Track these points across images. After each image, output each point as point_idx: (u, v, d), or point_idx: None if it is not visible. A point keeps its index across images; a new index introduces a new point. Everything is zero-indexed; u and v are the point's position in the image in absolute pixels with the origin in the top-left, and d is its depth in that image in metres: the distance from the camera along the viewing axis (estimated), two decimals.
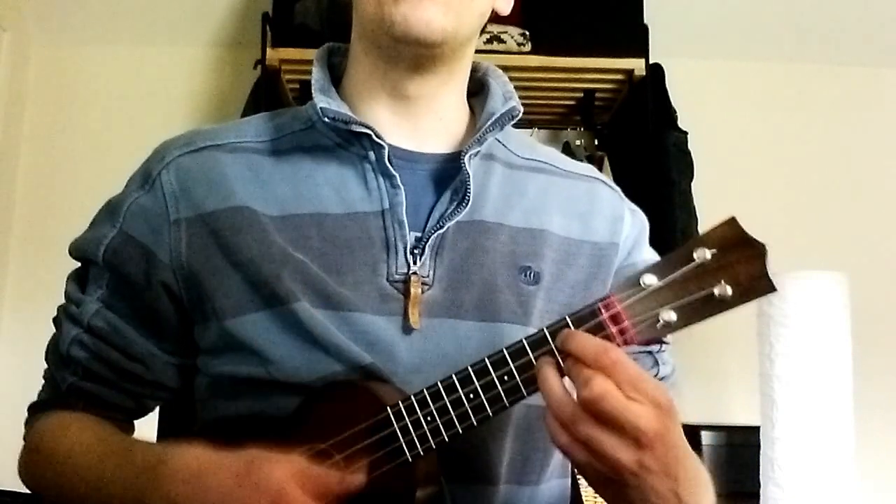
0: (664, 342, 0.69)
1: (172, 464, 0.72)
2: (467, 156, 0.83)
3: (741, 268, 0.66)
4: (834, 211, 2.52)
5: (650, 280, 0.67)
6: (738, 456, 2.07)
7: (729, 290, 0.66)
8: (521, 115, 0.88)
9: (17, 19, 2.48)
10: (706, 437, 2.16)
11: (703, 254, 0.66)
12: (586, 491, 0.98)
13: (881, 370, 2.32)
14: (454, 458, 0.75)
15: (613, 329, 0.67)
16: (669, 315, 0.67)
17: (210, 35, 2.55)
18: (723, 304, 0.66)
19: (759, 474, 1.92)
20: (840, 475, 1.83)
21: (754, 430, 1.97)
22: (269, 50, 2.20)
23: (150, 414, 0.93)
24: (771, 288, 0.66)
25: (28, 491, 0.89)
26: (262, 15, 2.24)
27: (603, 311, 0.68)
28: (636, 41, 2.24)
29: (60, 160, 2.52)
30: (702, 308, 0.66)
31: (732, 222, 0.67)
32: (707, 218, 2.21)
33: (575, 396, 0.65)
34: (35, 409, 0.91)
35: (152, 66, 2.55)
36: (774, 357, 1.90)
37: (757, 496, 1.90)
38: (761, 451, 1.92)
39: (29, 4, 2.49)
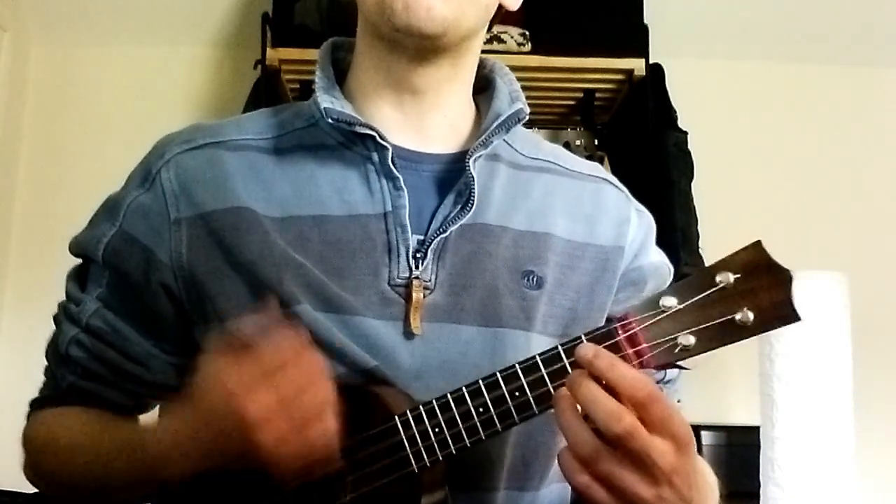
0: (681, 367, 0.68)
1: (154, 430, 0.75)
2: (472, 159, 0.82)
3: (765, 294, 0.64)
4: (834, 211, 2.52)
5: (670, 302, 0.66)
6: (738, 456, 2.07)
7: (751, 316, 0.64)
8: (527, 117, 0.86)
9: (17, 19, 2.48)
10: (706, 437, 2.16)
11: (727, 277, 0.65)
12: None
13: (881, 370, 2.32)
14: (455, 464, 0.74)
15: (630, 351, 0.66)
16: (688, 339, 0.65)
17: (210, 35, 2.55)
18: (743, 331, 0.65)
19: (759, 474, 1.91)
20: (840, 475, 1.83)
21: (754, 430, 1.97)
22: (269, 50, 2.19)
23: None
24: (795, 317, 0.64)
25: (28, 491, 0.89)
26: (262, 15, 2.24)
27: (620, 331, 0.66)
28: (636, 41, 2.24)
29: (60, 160, 2.51)
30: (721, 333, 0.65)
31: (758, 246, 0.65)
32: (707, 218, 2.22)
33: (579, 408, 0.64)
34: (35, 405, 0.90)
35: (152, 66, 2.55)
36: (774, 357, 1.89)
37: (757, 496, 1.90)
38: (761, 451, 1.92)
39: (29, 4, 2.49)
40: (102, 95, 2.54)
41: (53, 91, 2.56)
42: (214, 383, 0.67)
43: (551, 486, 0.86)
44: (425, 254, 0.81)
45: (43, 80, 2.56)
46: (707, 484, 0.70)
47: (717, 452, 2.13)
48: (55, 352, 0.87)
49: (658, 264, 0.93)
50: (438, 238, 0.81)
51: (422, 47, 0.81)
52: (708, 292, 0.65)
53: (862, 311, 1.96)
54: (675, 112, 2.34)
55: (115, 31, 2.53)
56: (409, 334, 0.79)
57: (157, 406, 0.92)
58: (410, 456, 0.70)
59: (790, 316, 0.64)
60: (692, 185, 2.28)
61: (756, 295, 0.64)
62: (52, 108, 2.55)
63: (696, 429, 2.11)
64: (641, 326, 0.66)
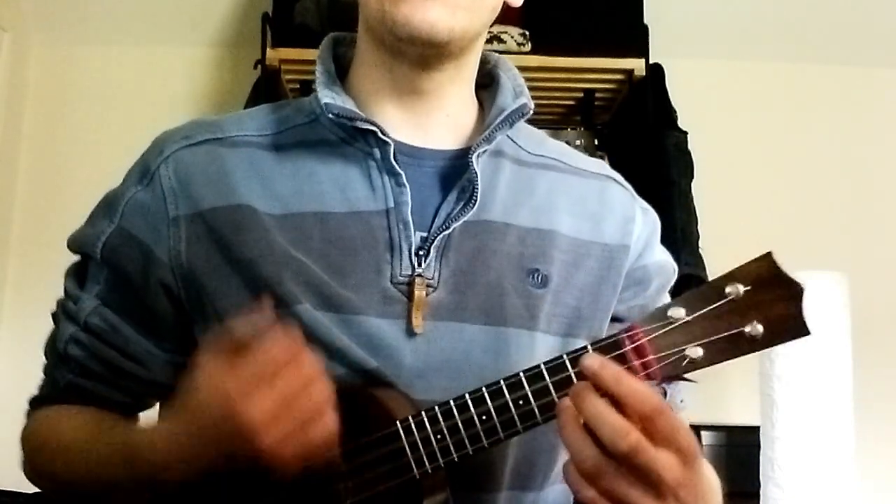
0: (687, 380, 0.67)
1: (149, 434, 0.73)
2: (475, 154, 0.81)
3: (775, 308, 0.63)
4: (834, 211, 2.52)
5: (678, 313, 0.64)
6: (738, 456, 2.07)
7: (760, 330, 0.63)
8: (531, 112, 0.85)
9: (17, 19, 2.47)
10: (706, 437, 2.16)
11: (736, 289, 0.63)
12: None
13: (881, 370, 2.32)
14: (457, 465, 0.73)
15: (636, 362, 0.65)
16: (696, 351, 0.64)
17: (210, 35, 2.55)
18: (752, 344, 0.63)
19: (759, 474, 1.91)
20: (840, 475, 1.83)
21: (754, 430, 1.97)
22: (269, 50, 2.20)
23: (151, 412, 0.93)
24: (805, 331, 0.63)
25: (28, 491, 0.89)
26: (262, 15, 2.24)
27: (627, 342, 0.65)
28: (636, 41, 2.24)
29: (60, 160, 2.51)
30: (729, 346, 0.64)
31: (769, 258, 0.64)
32: (707, 218, 2.22)
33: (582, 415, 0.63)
34: (34, 404, 0.90)
35: (152, 66, 2.55)
36: (774, 357, 1.89)
37: (757, 496, 1.90)
38: (761, 451, 1.92)
39: (29, 4, 2.49)
40: (102, 95, 2.54)
41: (53, 91, 2.56)
42: (210, 387, 0.66)
43: (554, 486, 0.85)
44: (428, 251, 0.80)
45: (43, 80, 2.56)
46: (712, 490, 0.69)
47: (717, 452, 2.13)
48: (53, 350, 0.86)
49: (662, 263, 0.92)
50: (442, 235, 0.80)
51: (425, 55, 0.81)
52: (717, 304, 0.64)
53: (862, 311, 1.96)
54: (675, 112, 2.33)
55: (115, 31, 2.53)
56: (411, 332, 0.78)
57: (157, 405, 0.92)
58: (412, 462, 0.69)
59: (800, 331, 0.63)
60: (692, 184, 2.28)
61: (766, 308, 0.63)
62: (52, 108, 2.55)
63: (696, 429, 2.11)
64: (649, 337, 0.65)
